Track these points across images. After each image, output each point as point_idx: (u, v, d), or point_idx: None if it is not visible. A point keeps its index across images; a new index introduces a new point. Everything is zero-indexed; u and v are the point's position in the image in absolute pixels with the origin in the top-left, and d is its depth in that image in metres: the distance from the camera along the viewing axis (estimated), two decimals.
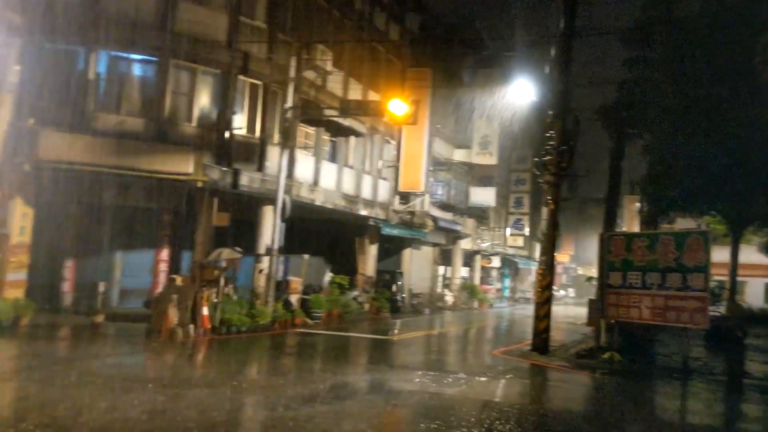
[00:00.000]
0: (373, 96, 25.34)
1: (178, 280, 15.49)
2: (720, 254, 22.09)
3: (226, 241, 18.29)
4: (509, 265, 47.32)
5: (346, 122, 22.74)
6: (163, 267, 18.86)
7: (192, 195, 18.43)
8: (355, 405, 9.28)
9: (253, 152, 19.86)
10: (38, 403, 8.15)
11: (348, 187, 24.84)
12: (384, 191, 27.74)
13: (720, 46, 18.34)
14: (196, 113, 18.87)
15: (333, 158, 24.41)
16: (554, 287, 20.77)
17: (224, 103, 19.14)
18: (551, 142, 16.02)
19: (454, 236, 35.25)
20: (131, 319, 16.44)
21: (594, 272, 20.28)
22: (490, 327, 26.50)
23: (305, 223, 21.66)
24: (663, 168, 21.19)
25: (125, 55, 18.40)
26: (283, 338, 16.90)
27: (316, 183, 22.53)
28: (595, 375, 13.62)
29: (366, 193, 26.15)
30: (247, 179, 18.99)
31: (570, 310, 38.18)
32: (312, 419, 8.02)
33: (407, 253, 30.45)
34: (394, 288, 27.18)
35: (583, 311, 19.60)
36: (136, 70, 18.68)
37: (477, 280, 39.92)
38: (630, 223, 43.95)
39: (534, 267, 40.28)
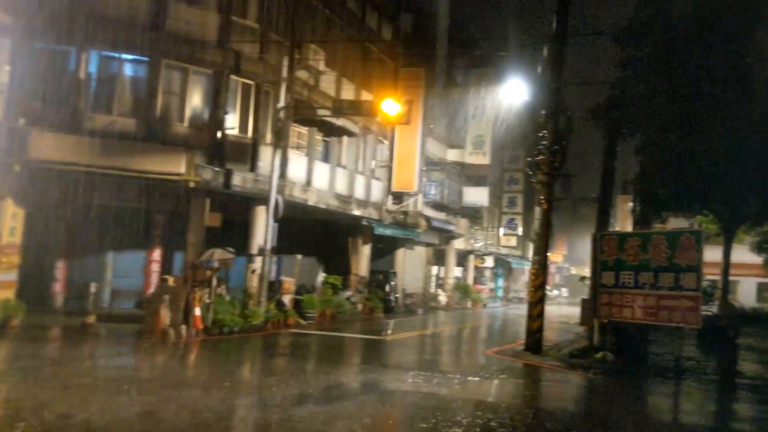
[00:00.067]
0: (366, 96, 25.30)
1: (171, 281, 15.42)
2: (712, 254, 22.19)
3: (218, 241, 18.20)
4: (502, 265, 47.37)
5: (339, 122, 22.68)
6: (155, 267, 18.79)
7: (184, 195, 18.36)
8: (348, 406, 9.25)
9: (245, 152, 19.77)
10: (28, 405, 8.07)
11: (341, 187, 24.79)
12: (377, 191, 27.70)
13: (712, 45, 18.37)
14: (188, 113, 18.80)
15: (326, 158, 24.36)
16: (547, 287, 20.79)
17: (216, 103, 19.07)
18: (544, 142, 16.02)
19: (448, 236, 35.25)
20: (123, 320, 16.33)
21: (587, 272, 20.33)
22: (484, 327, 26.50)
23: (298, 223, 21.63)
24: (655, 167, 21.22)
25: (116, 55, 18.29)
26: (276, 339, 16.84)
27: (308, 183, 22.48)
28: (588, 375, 13.63)
29: (359, 193, 26.11)
30: (240, 179, 18.93)
31: (563, 309, 38.26)
32: (305, 420, 7.98)
33: (400, 253, 30.43)
34: (387, 288, 27.14)
35: (576, 311, 19.64)
36: (128, 70, 18.58)
37: (470, 280, 39.95)
38: (623, 222, 44.08)
39: (527, 267, 40.40)
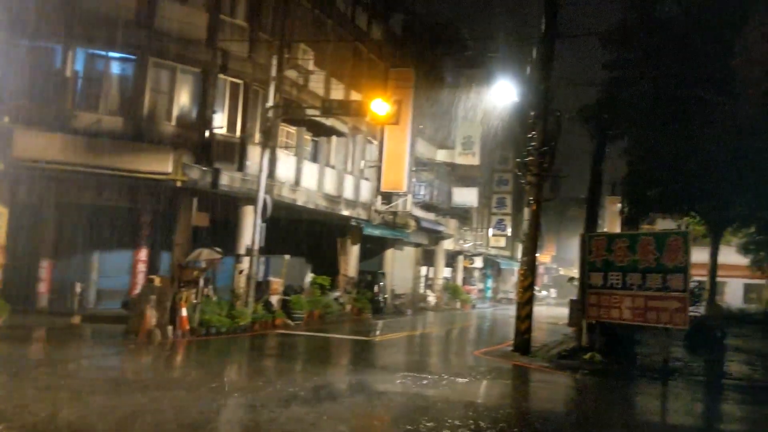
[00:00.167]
0: (355, 96, 25.23)
1: (157, 281, 15.30)
2: (700, 255, 22.25)
3: (205, 241, 18.08)
4: (491, 266, 47.44)
5: (328, 122, 22.61)
6: (142, 267, 18.66)
7: (171, 195, 18.25)
8: (336, 407, 9.18)
9: (233, 152, 19.67)
10: (11, 406, 7.95)
11: (330, 187, 24.71)
12: (366, 191, 27.64)
13: (699, 47, 18.45)
14: (175, 112, 18.67)
15: (315, 158, 24.27)
16: (536, 288, 20.80)
17: (204, 102, 18.95)
18: (533, 143, 16.03)
19: (437, 237, 35.24)
20: (108, 321, 16.21)
21: (575, 273, 20.33)
22: (472, 327, 26.49)
23: (286, 223, 21.54)
24: (643, 169, 21.30)
25: (103, 52, 18.12)
26: (263, 339, 16.74)
27: (297, 183, 22.38)
28: (577, 375, 13.61)
29: (348, 193, 26.04)
30: (228, 179, 18.81)
31: (552, 310, 38.31)
32: (292, 421, 7.91)
33: (389, 254, 30.38)
34: (376, 289, 27.08)
35: (564, 312, 19.64)
36: (115, 68, 18.43)
37: (459, 281, 39.96)
38: (611, 223, 44.27)
39: (516, 267, 40.40)
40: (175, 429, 7.39)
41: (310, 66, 21.31)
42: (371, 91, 23.26)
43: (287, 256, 21.38)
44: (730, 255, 31.86)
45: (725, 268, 30.88)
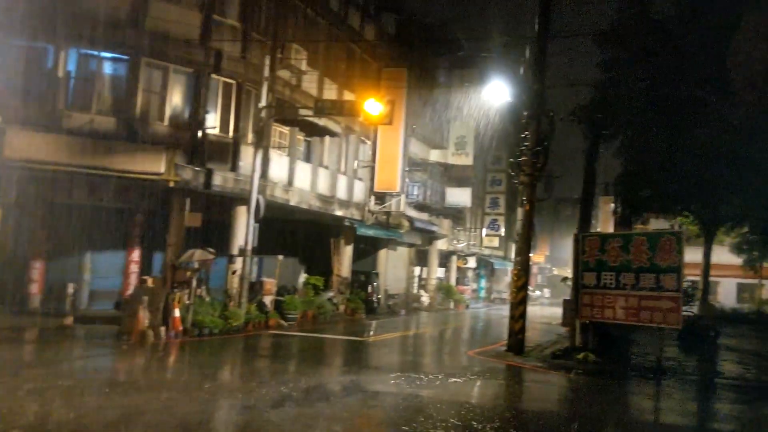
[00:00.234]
0: (348, 96, 25.19)
1: (150, 282, 15.25)
2: (693, 255, 22.35)
3: (198, 241, 18.00)
4: (485, 266, 47.46)
5: (321, 122, 22.56)
6: (134, 268, 18.54)
7: (164, 195, 18.16)
8: (329, 407, 9.15)
9: (226, 152, 19.60)
10: (2, 407, 7.89)
11: (323, 187, 24.66)
12: (359, 191, 27.60)
13: (693, 48, 18.50)
14: (168, 112, 18.58)
15: (308, 158, 24.23)
16: (530, 288, 20.83)
17: (197, 102, 18.88)
18: (526, 143, 16.03)
19: (430, 237, 35.23)
20: (101, 322, 16.13)
21: (569, 273, 20.36)
22: (466, 328, 26.50)
23: (279, 223, 21.48)
24: (637, 169, 21.34)
25: (96, 52, 18.01)
26: (257, 340, 16.70)
27: (290, 183, 22.32)
28: (570, 375, 13.63)
29: (341, 193, 25.99)
30: (220, 179, 18.74)
31: (545, 310, 38.39)
32: (286, 422, 7.88)
33: (383, 254, 30.36)
34: (369, 289, 27.04)
35: (558, 311, 19.69)
36: (107, 68, 18.33)
37: (453, 281, 39.96)
38: (605, 223, 44.44)
39: (509, 267, 40.49)
40: (168, 430, 7.35)
41: (303, 66, 21.26)
42: (364, 91, 23.25)
43: (280, 257, 21.33)
44: (723, 255, 32.01)
45: (718, 268, 31.01)
